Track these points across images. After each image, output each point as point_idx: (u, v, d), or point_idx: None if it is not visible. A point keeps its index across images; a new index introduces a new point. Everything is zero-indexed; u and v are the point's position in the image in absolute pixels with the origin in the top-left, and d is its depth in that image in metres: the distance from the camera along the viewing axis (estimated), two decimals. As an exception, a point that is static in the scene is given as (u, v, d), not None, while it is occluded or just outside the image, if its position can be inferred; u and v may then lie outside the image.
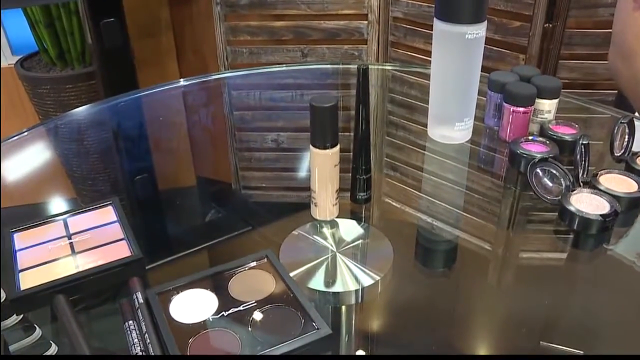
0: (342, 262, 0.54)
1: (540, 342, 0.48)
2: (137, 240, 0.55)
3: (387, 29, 1.49)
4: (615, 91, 1.12)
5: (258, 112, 0.98)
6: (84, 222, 0.58)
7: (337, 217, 0.60)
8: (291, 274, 0.51)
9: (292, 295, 0.48)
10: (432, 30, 0.70)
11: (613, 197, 0.60)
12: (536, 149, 0.68)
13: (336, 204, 0.60)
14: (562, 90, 0.73)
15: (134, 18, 1.61)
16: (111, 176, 0.89)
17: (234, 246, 0.64)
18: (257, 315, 0.46)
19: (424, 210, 0.66)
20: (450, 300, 0.54)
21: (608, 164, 0.68)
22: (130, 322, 0.46)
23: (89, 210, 0.60)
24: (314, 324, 0.45)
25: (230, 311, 0.47)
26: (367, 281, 0.52)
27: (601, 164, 0.69)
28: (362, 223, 0.61)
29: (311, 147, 0.56)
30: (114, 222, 0.58)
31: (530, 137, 0.70)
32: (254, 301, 0.48)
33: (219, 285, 0.49)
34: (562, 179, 0.62)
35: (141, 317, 0.46)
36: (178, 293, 0.49)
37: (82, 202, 0.64)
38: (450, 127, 0.73)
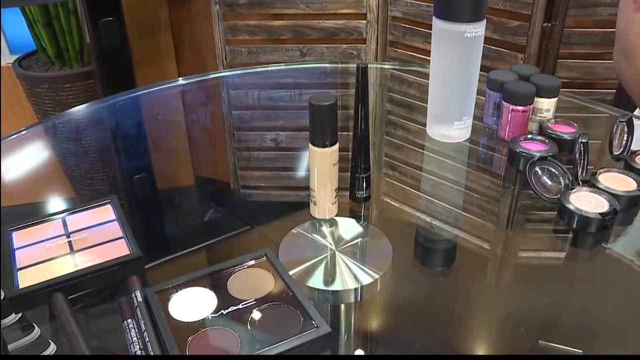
0: (341, 260, 0.54)
1: (539, 341, 0.48)
2: (136, 239, 0.54)
3: (386, 28, 1.49)
4: (614, 90, 1.12)
5: (257, 111, 0.98)
6: (82, 221, 0.58)
7: (336, 215, 0.60)
8: (290, 273, 0.51)
9: (291, 293, 0.48)
10: (431, 29, 0.70)
11: (612, 196, 0.60)
12: (535, 147, 0.68)
13: (335, 202, 0.60)
14: (561, 89, 0.73)
15: (133, 17, 1.61)
16: (110, 175, 0.89)
17: (232, 245, 0.64)
18: (256, 314, 0.46)
19: (423, 209, 0.66)
20: (449, 299, 0.54)
21: (607, 162, 0.68)
22: (129, 320, 0.46)
23: (88, 208, 0.60)
24: (313, 322, 0.45)
25: (229, 309, 0.47)
26: (366, 280, 0.52)
27: (600, 163, 0.69)
28: (361, 222, 0.61)
29: (310, 145, 0.56)
30: (113, 220, 0.58)
31: (529, 136, 0.70)
32: (253, 299, 0.48)
33: (218, 284, 0.49)
34: (561, 178, 0.62)
35: (140, 316, 0.46)
36: (177, 291, 0.49)
37: (80, 201, 0.64)
38: (449, 126, 0.73)
